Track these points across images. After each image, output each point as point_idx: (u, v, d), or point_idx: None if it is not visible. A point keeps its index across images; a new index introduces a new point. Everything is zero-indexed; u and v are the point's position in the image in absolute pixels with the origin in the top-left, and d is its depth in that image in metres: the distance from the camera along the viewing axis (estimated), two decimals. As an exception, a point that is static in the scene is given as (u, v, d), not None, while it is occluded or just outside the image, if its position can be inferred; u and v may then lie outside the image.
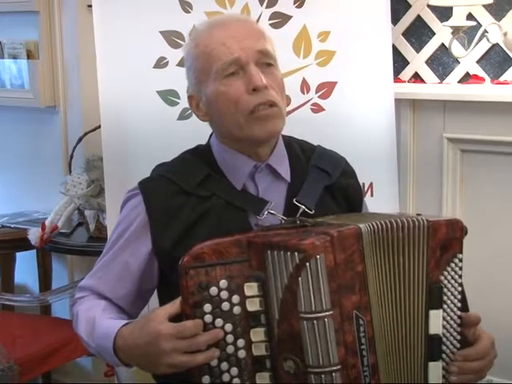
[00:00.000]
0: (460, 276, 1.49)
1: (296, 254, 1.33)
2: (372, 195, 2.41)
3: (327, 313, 1.33)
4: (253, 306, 1.38)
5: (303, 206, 1.56)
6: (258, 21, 2.29)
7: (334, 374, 1.33)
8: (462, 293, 1.50)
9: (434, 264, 1.46)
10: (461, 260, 1.49)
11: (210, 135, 1.64)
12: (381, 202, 2.35)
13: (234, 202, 1.55)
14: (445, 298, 1.47)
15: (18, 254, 3.22)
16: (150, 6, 2.22)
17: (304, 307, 1.33)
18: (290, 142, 1.68)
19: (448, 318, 1.47)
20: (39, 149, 3.28)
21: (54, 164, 3.20)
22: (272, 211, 1.54)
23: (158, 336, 1.34)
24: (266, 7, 2.30)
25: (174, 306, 1.38)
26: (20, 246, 3.07)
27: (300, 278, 1.33)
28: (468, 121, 2.61)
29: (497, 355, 1.54)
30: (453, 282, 1.48)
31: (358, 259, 1.37)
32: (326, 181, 1.64)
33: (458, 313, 1.48)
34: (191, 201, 1.54)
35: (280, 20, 2.32)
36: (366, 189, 2.40)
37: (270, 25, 2.31)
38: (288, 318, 1.35)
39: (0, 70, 3.28)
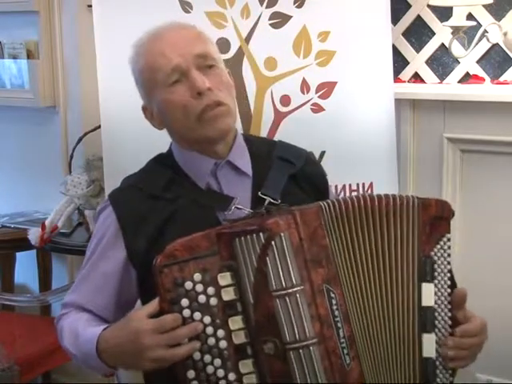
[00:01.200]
0: (449, 255, 1.52)
1: (261, 234, 1.38)
2: (372, 195, 2.41)
3: (298, 288, 1.38)
4: (228, 295, 1.41)
5: (269, 198, 1.59)
6: (257, 21, 2.30)
7: (311, 348, 1.37)
8: (451, 274, 1.52)
9: (425, 239, 1.49)
10: (449, 240, 1.52)
11: (171, 143, 1.70)
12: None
13: (200, 200, 1.59)
14: (435, 273, 1.50)
15: (18, 254, 3.22)
16: (150, 6, 2.22)
17: (275, 285, 1.38)
18: (248, 137, 1.73)
19: (439, 294, 1.50)
20: (39, 149, 3.28)
21: (54, 164, 3.20)
22: (239, 206, 1.58)
23: (138, 333, 1.37)
24: (266, 7, 2.30)
25: (152, 305, 1.40)
26: (20, 246, 3.07)
27: (268, 258, 1.38)
28: (468, 121, 2.60)
29: (487, 338, 1.54)
30: (442, 259, 1.51)
31: (321, 233, 1.42)
32: (291, 170, 1.68)
33: (448, 290, 1.51)
34: (159, 204, 1.58)
35: (280, 20, 2.32)
36: (365, 189, 2.41)
37: (270, 25, 2.31)
38: (262, 300, 1.39)
39: (0, 70, 3.28)
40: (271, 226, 1.38)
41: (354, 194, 2.38)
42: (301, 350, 1.37)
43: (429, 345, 1.48)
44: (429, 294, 1.48)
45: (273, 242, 1.37)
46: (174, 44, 1.57)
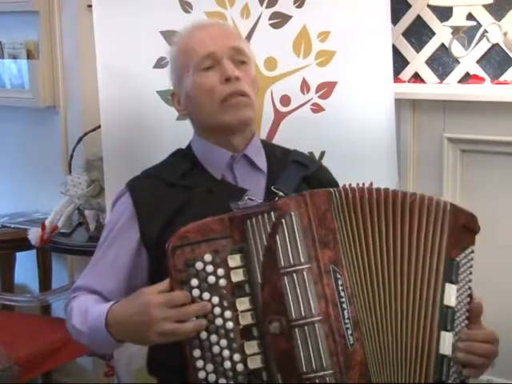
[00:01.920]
0: (471, 266, 1.53)
1: (272, 213, 1.43)
2: (372, 195, 2.41)
3: (306, 265, 1.42)
4: (237, 276, 1.43)
5: (280, 192, 1.62)
6: (257, 21, 2.30)
7: (316, 325, 1.40)
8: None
9: (453, 243, 1.51)
10: (473, 252, 1.54)
11: (191, 139, 1.75)
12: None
13: (214, 190, 1.65)
14: (460, 278, 1.51)
15: (18, 254, 3.22)
16: (150, 6, 2.21)
17: (283, 262, 1.41)
18: (265, 142, 1.81)
19: (459, 299, 1.51)
20: (39, 149, 3.28)
21: (54, 164, 3.20)
22: (251, 197, 1.61)
23: (148, 305, 1.41)
24: (266, 7, 2.30)
25: (163, 284, 1.43)
26: (20, 246, 3.07)
27: (277, 236, 1.42)
28: (468, 121, 2.61)
29: (498, 354, 1.55)
30: (465, 267, 1.52)
31: (329, 217, 1.45)
32: (304, 171, 1.73)
33: (467, 299, 1.52)
34: (175, 191, 1.64)
35: (280, 20, 2.32)
36: (366, 189, 2.41)
37: (270, 25, 2.31)
38: (270, 279, 1.41)
39: (0, 70, 3.28)
40: (282, 205, 1.43)
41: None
42: (306, 327, 1.39)
43: (446, 342, 1.48)
44: (452, 295, 1.50)
45: (283, 220, 1.42)
46: (213, 34, 1.69)
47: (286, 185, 1.67)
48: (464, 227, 1.53)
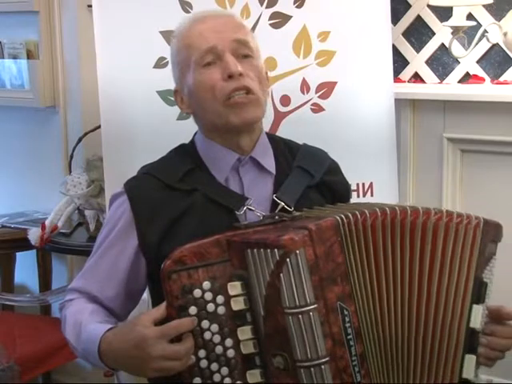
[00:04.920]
0: (493, 276, 1.53)
1: (276, 250, 1.34)
2: (372, 195, 2.41)
3: (312, 306, 1.34)
4: (237, 304, 1.39)
5: (282, 203, 1.57)
6: (257, 21, 2.30)
7: (323, 367, 1.34)
8: None
9: (482, 262, 1.49)
10: (495, 259, 1.53)
11: (194, 134, 1.67)
12: (381, 201, 2.35)
13: (215, 197, 1.56)
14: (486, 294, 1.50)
15: (18, 254, 3.22)
16: (149, 6, 2.22)
17: (288, 303, 1.34)
18: (273, 137, 1.71)
19: (483, 314, 1.50)
20: (39, 149, 3.28)
21: (54, 164, 3.20)
22: (251, 207, 1.55)
23: (143, 340, 1.34)
24: (266, 7, 2.30)
25: (159, 310, 1.38)
26: (20, 246, 3.07)
27: (282, 274, 1.33)
28: (468, 121, 2.60)
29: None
30: (488, 281, 1.51)
31: (337, 250, 1.37)
32: (308, 181, 1.64)
33: (486, 311, 1.50)
34: (175, 195, 1.55)
35: (280, 20, 2.32)
36: (365, 189, 2.41)
37: (270, 25, 2.31)
38: (273, 314, 1.36)
39: (0, 70, 3.28)
40: (287, 242, 1.33)
41: (354, 193, 2.38)
42: (312, 369, 1.34)
43: (470, 366, 1.47)
44: (477, 316, 1.47)
45: (288, 260, 1.33)
46: (214, 27, 1.57)
47: (289, 194, 1.59)
48: (493, 239, 1.50)
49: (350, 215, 1.40)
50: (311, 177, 1.65)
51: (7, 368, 2.47)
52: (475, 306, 1.47)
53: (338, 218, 1.39)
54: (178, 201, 1.55)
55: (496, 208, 2.60)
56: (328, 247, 1.36)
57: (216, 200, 1.56)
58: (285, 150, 1.68)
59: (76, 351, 1.55)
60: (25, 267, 3.25)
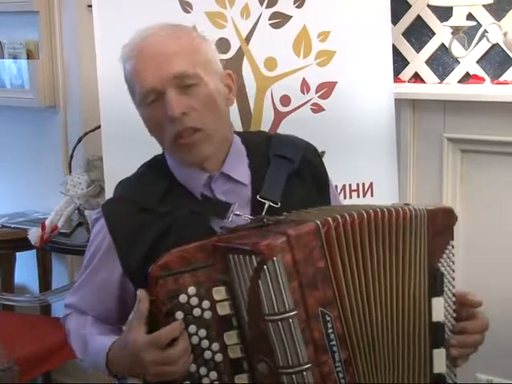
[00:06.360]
0: (453, 263, 1.50)
1: (253, 257, 1.33)
2: (372, 195, 2.41)
3: (291, 313, 1.33)
4: (223, 309, 1.39)
5: (268, 202, 1.55)
6: (257, 21, 2.30)
7: (304, 373, 1.34)
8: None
9: (433, 251, 1.47)
10: (453, 247, 1.50)
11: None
12: (381, 201, 2.34)
13: (197, 210, 1.53)
14: (443, 285, 1.48)
15: (18, 254, 3.22)
16: (149, 6, 2.22)
17: (267, 309, 1.33)
18: (244, 136, 1.66)
19: (446, 305, 1.49)
20: (39, 149, 3.28)
21: (54, 164, 3.20)
22: (237, 212, 1.53)
23: (136, 347, 1.38)
24: (266, 7, 2.30)
25: (141, 308, 1.40)
26: (20, 246, 3.07)
27: (260, 281, 1.33)
28: (468, 121, 2.60)
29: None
30: (448, 268, 1.49)
31: (318, 255, 1.36)
32: (289, 168, 1.61)
33: (454, 299, 1.50)
34: (153, 218, 1.53)
35: (280, 20, 2.32)
36: (366, 189, 2.41)
37: (270, 25, 2.31)
38: (255, 321, 1.36)
39: (0, 70, 3.28)
40: (264, 249, 1.32)
41: (354, 193, 2.38)
42: (294, 376, 1.34)
43: (439, 360, 1.47)
44: (439, 309, 1.47)
45: (265, 267, 1.32)
46: (152, 61, 1.48)
47: (272, 190, 1.57)
48: (442, 226, 1.48)
49: (329, 219, 1.38)
50: (290, 162, 1.61)
51: (7, 368, 2.47)
52: (435, 299, 1.47)
53: (319, 222, 1.37)
54: (158, 221, 1.52)
55: (496, 208, 2.61)
56: (307, 253, 1.35)
57: (199, 212, 1.53)
58: (258, 147, 1.64)
59: (85, 363, 1.59)
60: (25, 267, 3.25)
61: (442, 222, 1.48)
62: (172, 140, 1.50)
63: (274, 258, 1.32)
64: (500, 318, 2.44)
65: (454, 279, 1.50)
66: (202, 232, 1.49)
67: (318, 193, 1.66)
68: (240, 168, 1.59)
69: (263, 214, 1.52)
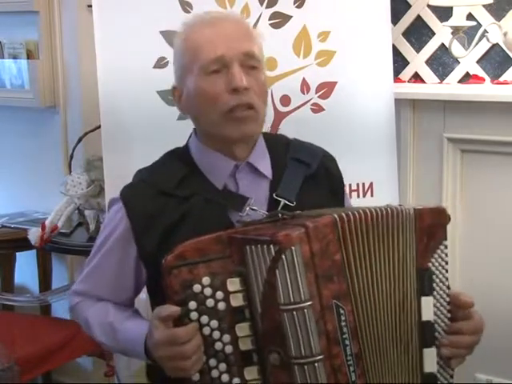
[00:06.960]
0: (446, 263, 1.50)
1: (272, 246, 1.34)
2: (372, 195, 2.41)
3: (306, 303, 1.34)
4: (236, 301, 1.40)
5: (283, 200, 1.57)
6: (257, 21, 2.30)
7: (316, 364, 1.34)
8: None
9: (423, 250, 1.47)
10: (446, 247, 1.50)
11: (189, 138, 1.66)
12: (381, 201, 2.34)
13: (215, 199, 1.55)
14: (434, 284, 1.48)
15: (18, 254, 3.22)
16: (150, 6, 2.22)
17: (283, 299, 1.34)
18: (265, 136, 1.68)
19: (438, 305, 1.49)
20: (39, 149, 3.28)
21: (54, 164, 3.20)
22: (253, 207, 1.55)
23: (152, 341, 1.40)
24: (266, 7, 2.31)
25: (166, 310, 1.40)
26: (20, 246, 3.07)
27: (277, 271, 1.34)
28: (468, 121, 2.60)
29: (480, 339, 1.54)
30: (440, 268, 1.49)
31: (334, 248, 1.37)
32: (305, 171, 1.64)
33: (448, 299, 1.50)
34: (171, 202, 1.55)
35: (280, 20, 2.32)
36: (366, 189, 2.41)
37: (270, 25, 2.31)
38: (269, 311, 1.36)
39: (0, 70, 3.28)
40: (282, 239, 1.33)
41: (354, 193, 2.38)
42: (306, 366, 1.34)
43: (429, 359, 1.47)
44: (428, 308, 1.47)
45: (283, 256, 1.33)
46: (225, 35, 1.53)
47: (288, 190, 1.59)
48: (432, 226, 1.48)
49: (343, 215, 1.40)
50: (307, 166, 1.65)
51: (7, 368, 2.47)
52: (424, 298, 1.47)
53: (336, 215, 1.39)
54: (174, 207, 1.54)
55: (496, 208, 2.61)
56: (325, 245, 1.36)
57: (216, 202, 1.55)
58: (277, 148, 1.67)
59: (109, 348, 1.61)
60: (25, 267, 3.26)
61: (430, 222, 1.48)
62: (225, 112, 1.51)
63: (293, 248, 1.33)
64: (500, 317, 2.45)
65: (447, 279, 1.50)
66: (218, 222, 1.50)
67: (333, 198, 1.68)
68: (264, 161, 1.63)
69: (278, 212, 1.53)
